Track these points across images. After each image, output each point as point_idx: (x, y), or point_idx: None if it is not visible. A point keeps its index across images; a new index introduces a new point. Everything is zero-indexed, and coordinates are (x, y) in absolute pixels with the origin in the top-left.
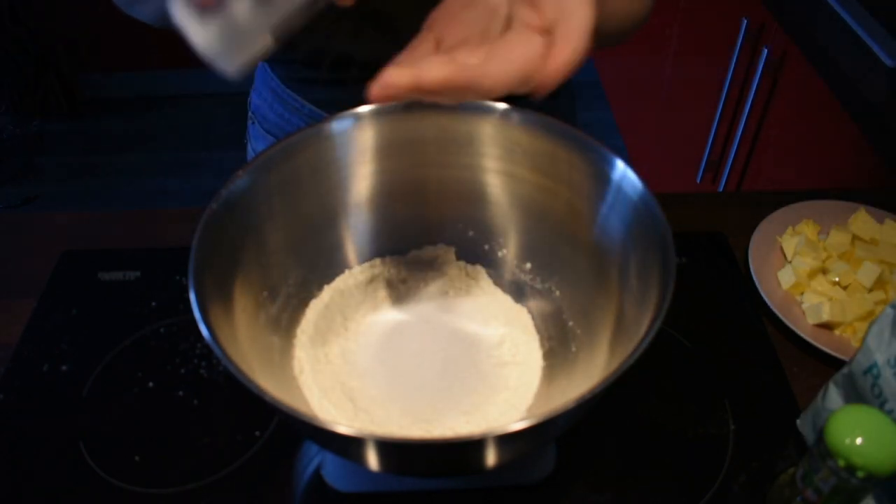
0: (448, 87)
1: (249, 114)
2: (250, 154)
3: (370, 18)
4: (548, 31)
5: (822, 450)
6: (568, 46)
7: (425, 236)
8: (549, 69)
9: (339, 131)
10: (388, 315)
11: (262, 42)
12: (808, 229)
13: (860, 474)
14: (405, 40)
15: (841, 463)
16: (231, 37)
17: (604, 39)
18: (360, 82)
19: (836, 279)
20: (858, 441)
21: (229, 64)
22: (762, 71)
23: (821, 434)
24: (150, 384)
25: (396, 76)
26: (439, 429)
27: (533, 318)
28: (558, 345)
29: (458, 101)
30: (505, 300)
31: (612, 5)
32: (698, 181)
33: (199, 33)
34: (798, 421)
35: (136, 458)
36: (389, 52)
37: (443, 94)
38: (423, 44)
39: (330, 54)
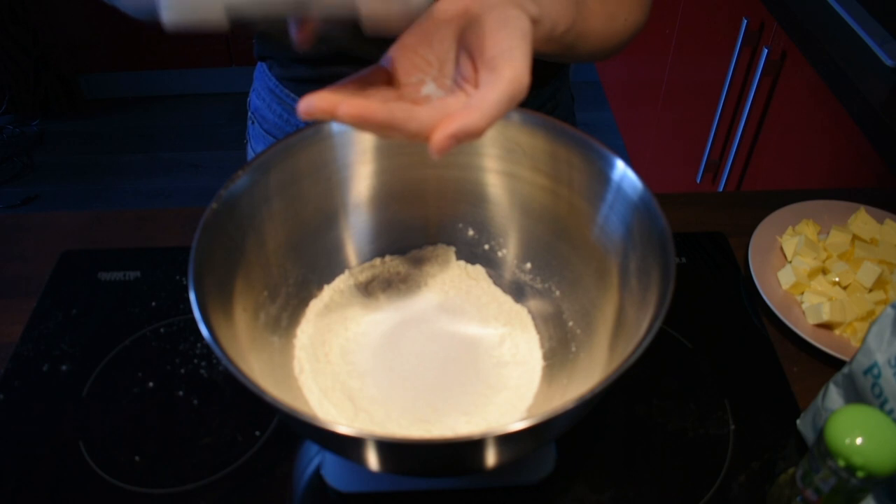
0: (365, 122)
1: (249, 114)
2: (250, 154)
3: None
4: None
5: (822, 450)
6: (466, 118)
7: (425, 236)
8: (439, 134)
9: (339, 131)
10: (389, 315)
11: (217, 17)
12: (808, 229)
13: (860, 474)
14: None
15: (841, 463)
16: None
17: (586, 56)
18: None
19: (836, 279)
20: (858, 441)
21: (171, 13)
22: (762, 71)
23: (821, 434)
24: (150, 384)
25: (319, 99)
26: (439, 429)
27: (533, 318)
28: (558, 345)
29: (385, 137)
30: (505, 300)
31: (584, 26)
32: (698, 181)
33: None
34: (798, 421)
35: (136, 458)
36: (385, 51)
37: (362, 127)
38: (375, 74)
39: (327, 53)
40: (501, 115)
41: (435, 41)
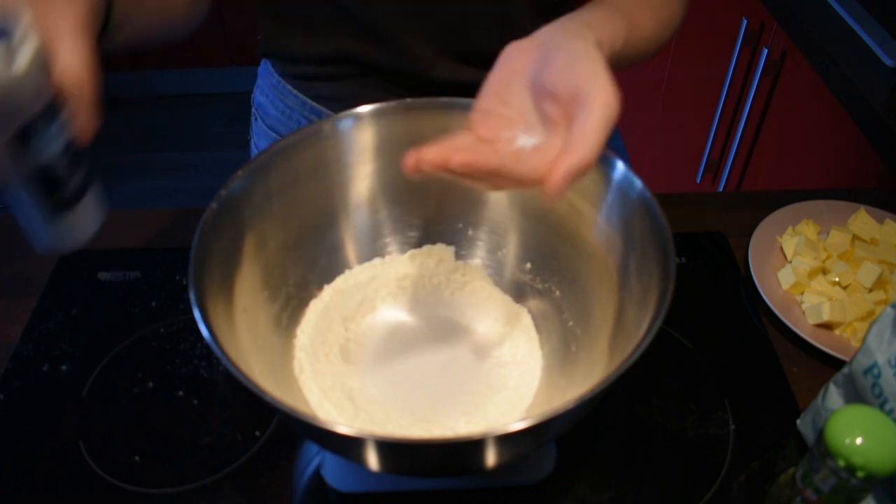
0: (474, 170)
1: (253, 111)
2: (253, 151)
3: (367, 21)
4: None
5: (822, 450)
6: (574, 154)
7: (425, 236)
8: (554, 177)
9: (338, 131)
10: (388, 315)
11: (95, 227)
12: (808, 229)
13: (860, 474)
14: (397, 41)
15: (841, 463)
16: (75, 226)
17: (636, 61)
18: (358, 78)
19: (836, 279)
20: (858, 441)
21: (72, 245)
22: (762, 71)
23: (821, 434)
24: (150, 384)
25: (428, 153)
26: (439, 429)
27: (533, 318)
28: (558, 345)
29: (494, 188)
30: (505, 300)
31: (635, 35)
32: (698, 181)
33: (48, 232)
34: (798, 421)
35: (136, 458)
36: (383, 51)
37: (471, 176)
38: (463, 137)
39: (329, 53)
40: (605, 142)
41: (512, 99)
